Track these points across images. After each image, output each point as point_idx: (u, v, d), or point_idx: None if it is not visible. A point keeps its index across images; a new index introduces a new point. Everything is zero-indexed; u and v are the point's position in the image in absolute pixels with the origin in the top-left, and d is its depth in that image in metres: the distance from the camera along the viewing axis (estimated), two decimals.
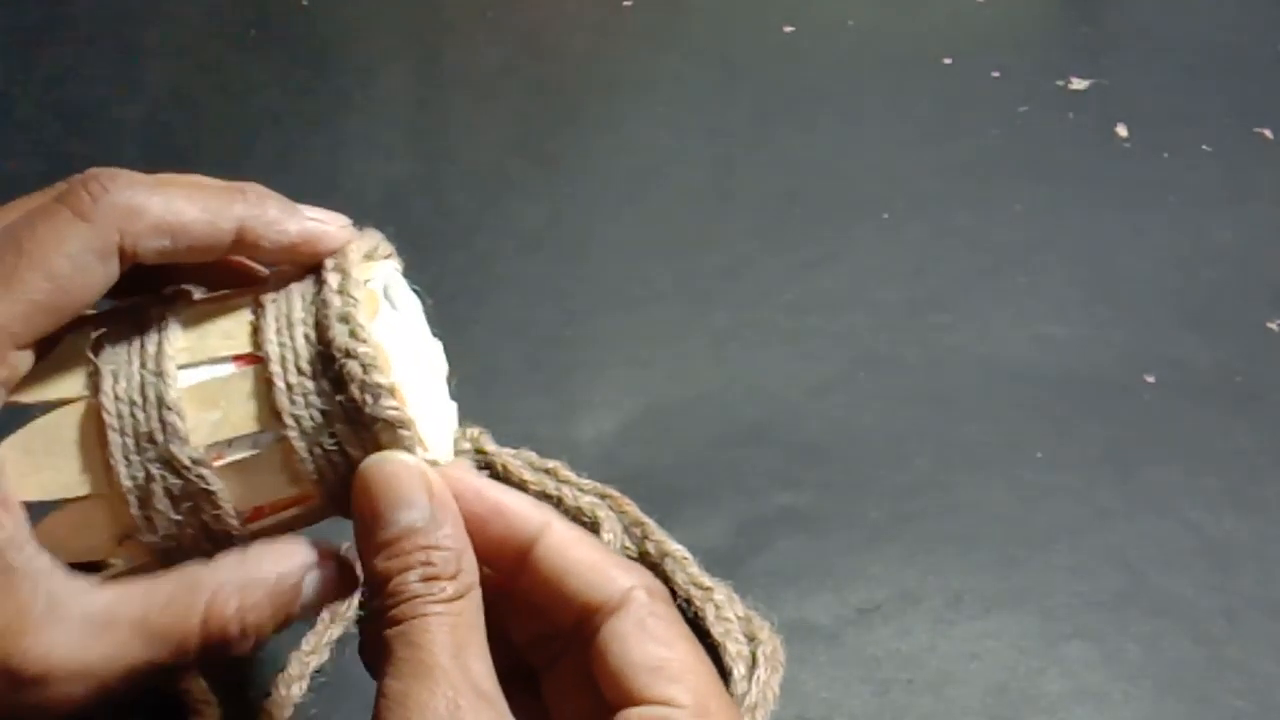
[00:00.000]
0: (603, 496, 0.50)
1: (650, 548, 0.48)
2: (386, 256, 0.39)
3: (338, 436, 0.35)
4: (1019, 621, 0.49)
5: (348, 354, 0.35)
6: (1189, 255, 0.63)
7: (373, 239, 0.39)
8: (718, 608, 0.46)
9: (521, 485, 0.49)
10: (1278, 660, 0.48)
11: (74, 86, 0.70)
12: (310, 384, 0.36)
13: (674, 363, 0.58)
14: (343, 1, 0.77)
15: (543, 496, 0.49)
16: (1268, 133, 0.69)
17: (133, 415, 0.35)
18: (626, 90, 0.72)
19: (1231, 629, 0.48)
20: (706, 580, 0.47)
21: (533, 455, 0.51)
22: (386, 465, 0.35)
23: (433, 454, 0.36)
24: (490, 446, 0.51)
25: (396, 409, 0.35)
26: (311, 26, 0.76)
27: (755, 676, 0.44)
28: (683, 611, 0.46)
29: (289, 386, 0.36)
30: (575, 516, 0.49)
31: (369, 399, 0.35)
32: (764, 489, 0.53)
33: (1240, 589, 0.50)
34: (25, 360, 0.35)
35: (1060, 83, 0.72)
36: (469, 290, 0.60)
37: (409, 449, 0.35)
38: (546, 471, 0.51)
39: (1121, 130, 0.69)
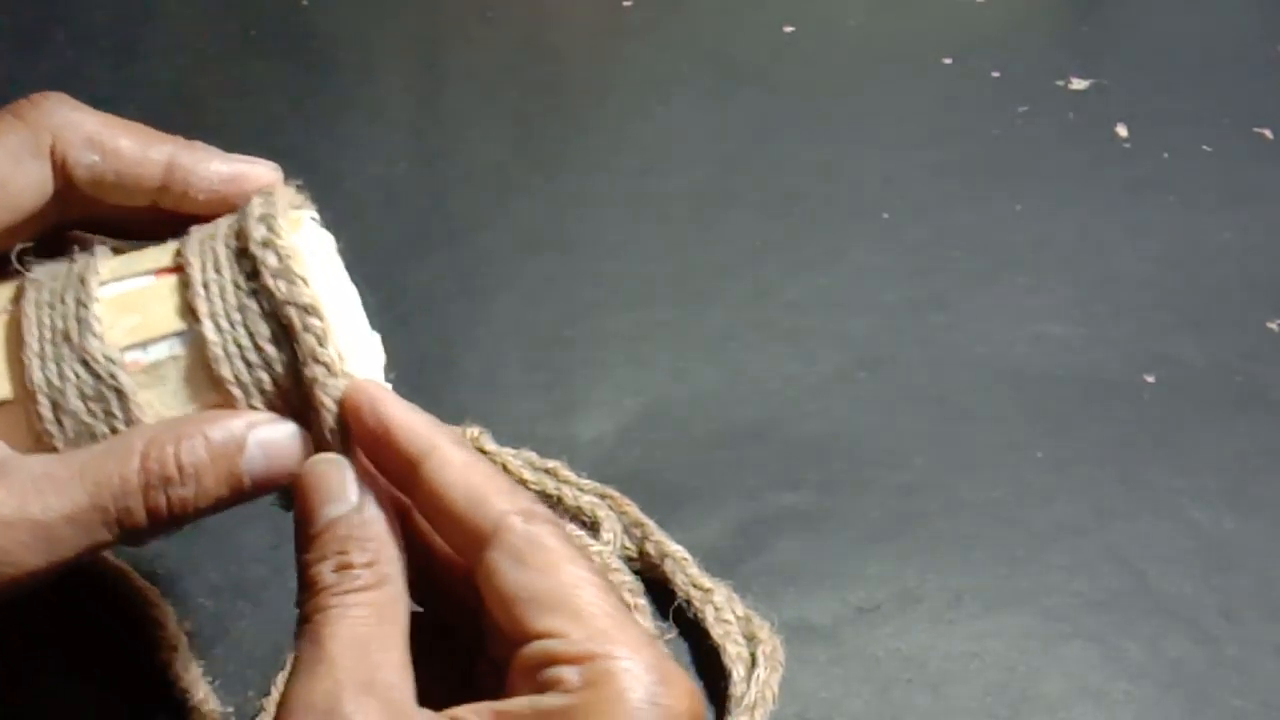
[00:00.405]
0: (603, 496, 0.50)
1: (650, 548, 0.48)
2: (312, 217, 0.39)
3: (253, 332, 0.35)
4: (1019, 621, 0.49)
5: (264, 245, 0.36)
6: (1189, 255, 0.63)
7: (302, 199, 0.39)
8: (717, 609, 0.46)
9: (521, 485, 0.49)
10: (1278, 660, 0.48)
11: (74, 86, 0.70)
12: (226, 280, 0.36)
13: (674, 363, 0.58)
14: (343, 1, 0.77)
15: (543, 496, 0.49)
16: (1268, 133, 0.69)
17: (50, 318, 0.36)
18: (626, 90, 0.72)
19: (1231, 629, 0.48)
20: (706, 581, 0.47)
21: (533, 455, 0.51)
22: (319, 465, 0.35)
23: (350, 367, 0.35)
24: (490, 446, 0.51)
25: (310, 296, 0.35)
26: (311, 26, 0.76)
27: (754, 676, 0.44)
28: (682, 612, 0.47)
29: (205, 284, 0.36)
30: (575, 516, 0.49)
31: (281, 285, 0.35)
32: (764, 489, 0.53)
33: (1240, 589, 0.50)
34: None
35: (1060, 83, 0.72)
36: (469, 290, 0.60)
37: (321, 341, 0.35)
38: (546, 471, 0.51)
39: (1121, 130, 0.69)
